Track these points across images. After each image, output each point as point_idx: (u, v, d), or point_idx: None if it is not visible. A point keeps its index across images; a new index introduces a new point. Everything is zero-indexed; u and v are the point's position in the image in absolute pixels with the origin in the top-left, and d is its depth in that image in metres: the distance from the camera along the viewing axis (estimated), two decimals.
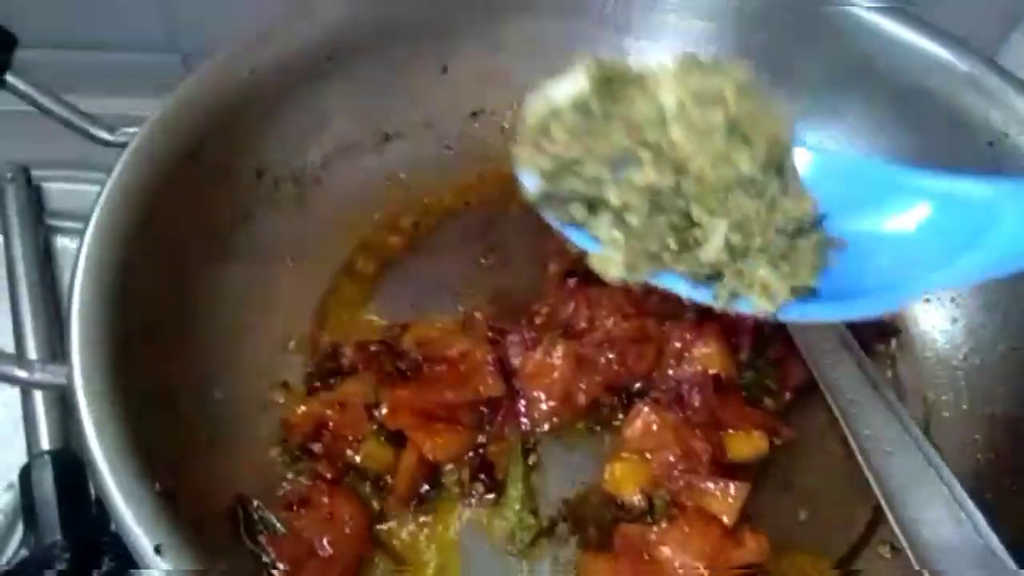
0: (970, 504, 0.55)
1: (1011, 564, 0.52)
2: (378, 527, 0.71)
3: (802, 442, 0.76)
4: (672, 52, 0.93)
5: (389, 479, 0.72)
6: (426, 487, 0.73)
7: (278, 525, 0.67)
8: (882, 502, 0.56)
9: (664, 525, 0.68)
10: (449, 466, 0.74)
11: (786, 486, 0.75)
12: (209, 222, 0.78)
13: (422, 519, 0.72)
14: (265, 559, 0.64)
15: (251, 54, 0.81)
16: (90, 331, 0.61)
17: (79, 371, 0.58)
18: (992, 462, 0.73)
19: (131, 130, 0.73)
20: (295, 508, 0.68)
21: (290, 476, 0.71)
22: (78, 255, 0.64)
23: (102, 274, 0.64)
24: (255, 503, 0.67)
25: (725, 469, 0.71)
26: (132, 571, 0.53)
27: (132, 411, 0.60)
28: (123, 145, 0.72)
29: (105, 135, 0.75)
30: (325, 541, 0.67)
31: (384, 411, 0.72)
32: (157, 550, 0.52)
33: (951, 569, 0.53)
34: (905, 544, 0.54)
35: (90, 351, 0.60)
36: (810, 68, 0.91)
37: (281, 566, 0.64)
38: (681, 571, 0.65)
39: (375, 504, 0.72)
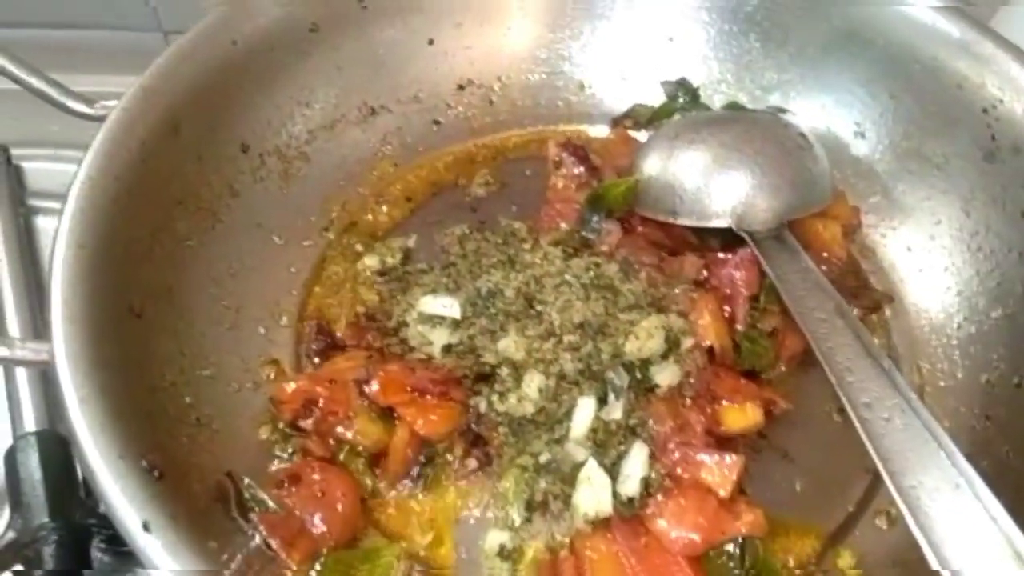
0: (970, 469, 0.55)
1: (1012, 529, 0.52)
2: (372, 503, 0.71)
3: (799, 412, 0.75)
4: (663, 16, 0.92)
5: (382, 456, 0.71)
6: (420, 463, 0.72)
7: (269, 503, 0.66)
8: (881, 469, 0.56)
9: (660, 498, 0.67)
10: (443, 443, 0.73)
11: (783, 457, 0.74)
12: (194, 197, 0.76)
13: (417, 495, 0.71)
14: (257, 537, 0.63)
15: (232, 25, 0.79)
16: (72, 306, 0.60)
17: (62, 346, 0.57)
18: (988, 430, 0.73)
19: (110, 103, 0.71)
20: (286, 486, 0.67)
21: (280, 454, 0.70)
22: (58, 228, 0.63)
23: (83, 248, 0.63)
24: (246, 481, 0.66)
25: (720, 441, 0.71)
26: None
27: (116, 388, 0.58)
28: (102, 119, 0.70)
29: (84, 108, 0.73)
30: (317, 518, 0.66)
31: (374, 387, 0.70)
32: (145, 527, 0.50)
33: (949, 535, 0.52)
34: (904, 510, 0.53)
35: (72, 326, 0.59)
36: (804, 36, 0.90)
37: (274, 543, 0.62)
38: (677, 544, 0.65)
39: (368, 481, 0.71)
